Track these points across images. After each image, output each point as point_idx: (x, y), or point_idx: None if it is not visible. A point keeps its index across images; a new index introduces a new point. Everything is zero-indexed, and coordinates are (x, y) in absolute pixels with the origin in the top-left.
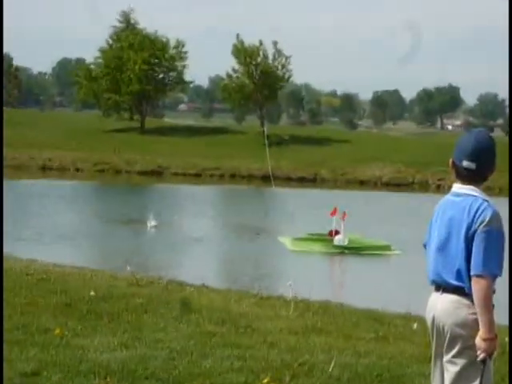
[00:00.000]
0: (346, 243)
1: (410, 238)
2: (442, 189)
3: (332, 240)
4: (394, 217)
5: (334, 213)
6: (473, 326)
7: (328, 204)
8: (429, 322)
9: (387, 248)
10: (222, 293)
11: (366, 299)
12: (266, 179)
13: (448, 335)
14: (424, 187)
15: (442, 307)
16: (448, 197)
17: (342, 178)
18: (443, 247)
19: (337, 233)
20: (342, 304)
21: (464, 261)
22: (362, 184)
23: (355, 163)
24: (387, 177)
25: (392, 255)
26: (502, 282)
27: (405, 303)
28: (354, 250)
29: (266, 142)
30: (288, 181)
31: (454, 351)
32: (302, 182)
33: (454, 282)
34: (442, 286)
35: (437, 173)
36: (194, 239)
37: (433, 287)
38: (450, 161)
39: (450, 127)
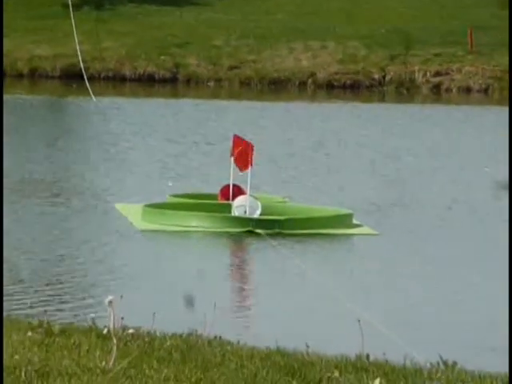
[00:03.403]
0: (257, 214)
1: (389, 201)
2: (444, 92)
3: (228, 206)
4: (351, 159)
5: (238, 151)
6: None
7: (210, 130)
8: None
9: (345, 221)
10: None
11: (286, 326)
12: (71, 79)
13: None
14: (406, 89)
15: None
16: None
17: (232, 74)
18: None
19: (237, 192)
20: (221, 338)
21: None
22: (276, 86)
23: (262, 42)
24: (328, 71)
25: (356, 236)
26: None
27: (356, 340)
28: (275, 226)
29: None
30: (122, 82)
31: None
32: (151, 83)
33: None
34: None
35: (433, 59)
36: None
37: None
38: None
39: None
